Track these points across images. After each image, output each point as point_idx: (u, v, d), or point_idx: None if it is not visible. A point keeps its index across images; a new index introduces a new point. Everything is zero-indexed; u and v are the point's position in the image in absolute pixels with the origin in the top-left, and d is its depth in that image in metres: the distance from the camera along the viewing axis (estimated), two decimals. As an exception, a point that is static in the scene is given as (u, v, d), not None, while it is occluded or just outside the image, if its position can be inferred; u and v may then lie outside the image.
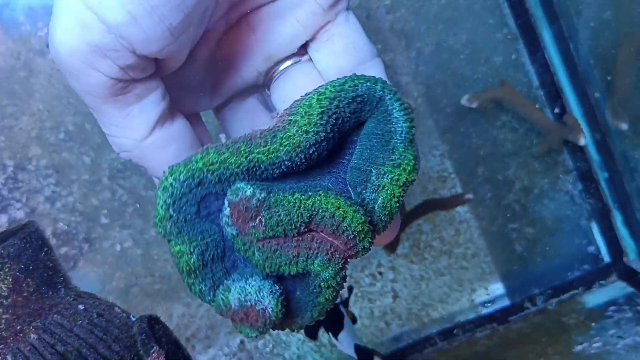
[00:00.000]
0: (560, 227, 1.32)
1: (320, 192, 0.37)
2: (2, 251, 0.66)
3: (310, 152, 0.37)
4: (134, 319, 0.72)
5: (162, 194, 0.37)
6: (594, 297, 1.28)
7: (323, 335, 1.31)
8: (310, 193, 0.36)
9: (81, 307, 0.70)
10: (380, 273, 1.32)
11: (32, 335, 0.64)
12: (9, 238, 0.69)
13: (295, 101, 0.38)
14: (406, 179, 0.39)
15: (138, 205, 1.23)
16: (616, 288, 1.27)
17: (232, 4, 0.43)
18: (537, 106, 1.26)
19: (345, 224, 0.36)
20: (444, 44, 1.24)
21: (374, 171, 0.39)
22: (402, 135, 0.40)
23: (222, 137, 1.05)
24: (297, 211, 0.36)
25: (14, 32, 1.17)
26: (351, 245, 0.37)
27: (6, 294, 0.66)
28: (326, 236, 0.37)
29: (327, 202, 0.36)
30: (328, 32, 0.46)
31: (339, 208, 0.36)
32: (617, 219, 1.29)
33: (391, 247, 1.30)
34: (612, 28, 1.16)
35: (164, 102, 0.40)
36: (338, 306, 1.11)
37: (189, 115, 0.48)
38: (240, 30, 0.45)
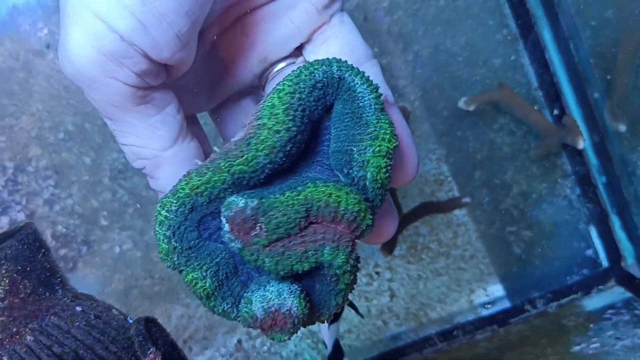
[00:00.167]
0: (559, 231, 1.31)
1: (309, 184, 0.37)
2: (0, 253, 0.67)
3: (288, 148, 0.37)
4: (131, 321, 0.72)
5: (159, 228, 0.37)
6: (593, 302, 1.28)
7: (320, 332, 1.31)
8: (299, 188, 0.36)
9: (78, 308, 0.70)
10: (377, 273, 1.32)
11: (29, 337, 0.64)
12: (6, 240, 0.69)
13: (259, 104, 0.38)
14: (387, 147, 0.39)
15: (139, 206, 1.24)
16: (614, 293, 1.27)
17: (227, 6, 0.43)
18: (535, 108, 1.25)
19: (342, 208, 0.37)
20: (441, 47, 1.24)
21: (354, 149, 0.39)
22: (372, 107, 0.39)
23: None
24: (293, 208, 0.36)
25: (12, 32, 1.17)
26: (354, 226, 0.37)
27: (3, 295, 0.66)
28: (328, 225, 0.37)
29: (319, 192, 0.36)
30: (324, 34, 0.46)
31: (331, 194, 0.37)
32: (615, 223, 1.29)
33: (388, 249, 1.30)
34: (612, 27, 1.16)
35: (179, 115, 0.40)
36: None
37: (186, 117, 0.47)
38: (234, 33, 0.45)
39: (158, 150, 0.39)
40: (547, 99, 1.26)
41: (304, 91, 0.37)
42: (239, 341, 1.32)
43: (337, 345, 1.11)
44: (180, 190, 0.37)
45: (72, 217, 1.23)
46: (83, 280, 1.23)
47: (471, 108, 1.22)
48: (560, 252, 1.32)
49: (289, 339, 0.39)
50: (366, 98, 0.39)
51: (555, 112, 1.26)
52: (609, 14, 1.16)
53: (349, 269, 0.38)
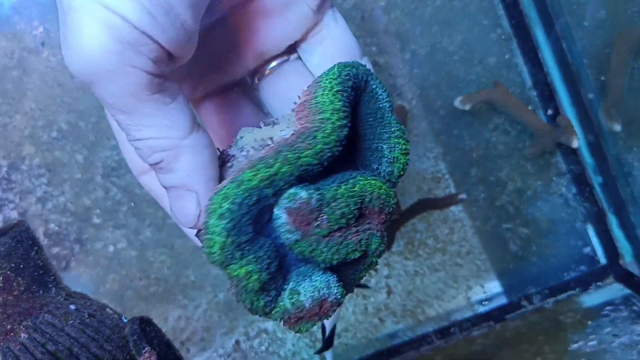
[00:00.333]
0: (555, 229, 1.32)
1: (358, 177, 0.39)
2: (-7, 250, 0.66)
3: (344, 143, 0.39)
4: (125, 320, 0.72)
5: (218, 221, 0.36)
6: (591, 298, 1.28)
7: (318, 332, 1.31)
8: (351, 181, 0.39)
9: (72, 307, 0.70)
10: (375, 269, 1.32)
11: (23, 335, 0.64)
12: (-1, 237, 0.69)
13: (306, 97, 0.39)
14: (408, 146, 0.43)
15: (132, 204, 1.23)
16: (613, 289, 1.27)
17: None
18: (530, 108, 1.26)
19: (388, 200, 0.40)
20: (438, 46, 1.25)
21: (384, 146, 0.42)
22: (390, 109, 0.43)
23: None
24: (352, 199, 0.38)
25: (7, 30, 1.17)
26: (389, 217, 0.42)
27: (-4, 292, 0.65)
28: (373, 215, 0.40)
29: (371, 185, 0.39)
30: (320, 34, 0.47)
31: (380, 187, 0.40)
32: (613, 222, 1.30)
33: (386, 245, 1.30)
34: (606, 27, 1.16)
35: (189, 104, 0.40)
36: None
37: None
38: (228, 27, 0.46)
39: (177, 139, 0.38)
40: (541, 99, 1.27)
41: (348, 90, 0.40)
42: (237, 342, 1.31)
43: (333, 331, 1.12)
44: (247, 182, 0.36)
45: (65, 215, 1.22)
46: (76, 280, 1.22)
47: (467, 107, 1.23)
48: (558, 250, 1.32)
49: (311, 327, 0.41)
50: (385, 100, 0.43)
51: (550, 112, 1.27)
52: (601, 15, 1.17)
53: (383, 251, 0.42)
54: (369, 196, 0.39)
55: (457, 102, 1.24)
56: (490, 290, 1.33)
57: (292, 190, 0.37)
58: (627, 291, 1.24)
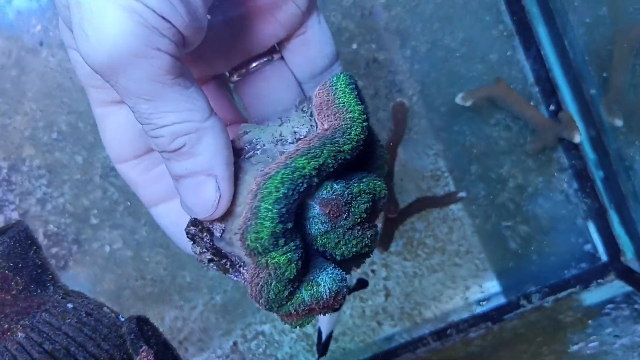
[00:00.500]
0: (556, 226, 1.31)
1: (369, 177, 0.42)
2: (-10, 249, 0.66)
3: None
4: (122, 319, 0.72)
5: (273, 206, 0.37)
6: (592, 296, 1.27)
7: (315, 334, 1.30)
8: (365, 179, 0.42)
9: (70, 305, 0.70)
10: (373, 271, 1.32)
11: (20, 334, 0.64)
12: (-3, 237, 0.69)
13: (327, 97, 0.42)
14: (386, 155, 0.47)
15: (129, 203, 1.23)
16: (614, 287, 1.26)
17: None
18: (531, 103, 1.25)
19: (386, 200, 0.43)
20: (439, 43, 1.24)
21: (374, 153, 0.46)
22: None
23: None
24: (369, 196, 0.41)
25: (5, 29, 1.17)
26: (377, 216, 0.44)
27: (-7, 292, 0.65)
28: (375, 213, 0.43)
29: (378, 185, 0.42)
30: (304, 36, 0.48)
31: (384, 188, 0.43)
32: (614, 218, 1.29)
33: (384, 245, 1.29)
34: (607, 24, 1.16)
35: (201, 88, 0.41)
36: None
37: None
38: (216, 21, 0.46)
39: (200, 121, 0.39)
40: (543, 95, 1.26)
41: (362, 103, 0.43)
42: (235, 343, 1.31)
43: (329, 339, 1.12)
44: (301, 169, 0.37)
45: (64, 215, 1.22)
46: (74, 279, 1.22)
47: (468, 103, 1.22)
48: (558, 247, 1.31)
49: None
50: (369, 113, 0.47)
51: (552, 107, 1.26)
52: (603, 11, 1.17)
53: (371, 253, 0.44)
54: (379, 194, 0.42)
55: (459, 99, 1.23)
56: (488, 289, 1.32)
57: (328, 183, 0.39)
58: (629, 288, 1.23)
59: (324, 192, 0.39)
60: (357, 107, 0.41)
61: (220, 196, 0.40)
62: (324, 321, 1.12)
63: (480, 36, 1.24)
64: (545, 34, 1.24)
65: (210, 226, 0.43)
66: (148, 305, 1.27)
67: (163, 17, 0.34)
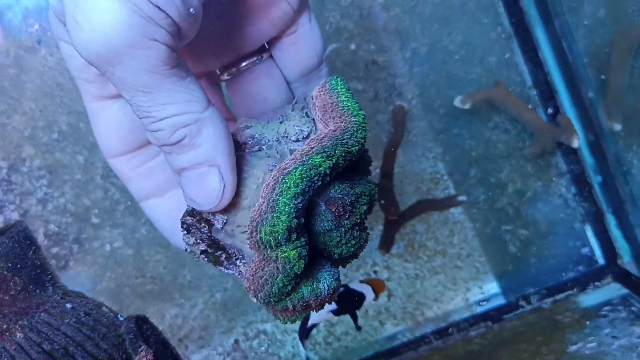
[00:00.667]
0: (554, 230, 1.31)
1: (363, 180, 0.43)
2: (-10, 250, 0.66)
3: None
4: (121, 319, 0.72)
5: (291, 201, 0.37)
6: (589, 298, 1.27)
7: (317, 334, 1.31)
8: (362, 181, 0.43)
9: (69, 305, 0.70)
10: (375, 272, 1.32)
11: (19, 334, 0.64)
12: (-4, 237, 0.69)
13: (329, 99, 0.43)
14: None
15: (129, 203, 1.23)
16: (611, 289, 1.26)
17: None
18: (530, 106, 1.25)
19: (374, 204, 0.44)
20: (438, 45, 1.24)
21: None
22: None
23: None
24: (368, 198, 0.42)
25: (4, 28, 1.16)
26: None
27: (-8, 292, 0.65)
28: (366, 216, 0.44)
29: (372, 188, 0.43)
30: (294, 34, 0.48)
31: (377, 191, 0.44)
32: (611, 222, 1.29)
33: (386, 247, 1.29)
34: (606, 26, 1.16)
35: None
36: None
37: None
38: (209, 19, 0.46)
39: (199, 112, 0.39)
40: (542, 98, 1.26)
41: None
42: (236, 341, 1.31)
43: (313, 327, 1.13)
44: (318, 167, 0.38)
45: (65, 215, 1.22)
46: (74, 279, 1.22)
47: (467, 106, 1.22)
48: (556, 250, 1.32)
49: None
50: None
51: (550, 110, 1.26)
52: (601, 14, 1.16)
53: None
54: (374, 197, 0.43)
55: (457, 101, 1.23)
56: (488, 291, 1.33)
57: (335, 183, 0.40)
58: (625, 291, 1.23)
59: (332, 191, 0.40)
60: (360, 112, 0.42)
61: (224, 186, 0.40)
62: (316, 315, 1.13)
63: (479, 38, 1.24)
64: (543, 37, 1.24)
65: (212, 217, 0.43)
66: (148, 303, 1.27)
67: (159, 7, 0.34)
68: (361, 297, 1.11)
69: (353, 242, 0.42)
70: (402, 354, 1.30)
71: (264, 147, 0.44)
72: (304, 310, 0.42)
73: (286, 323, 0.43)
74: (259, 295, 0.40)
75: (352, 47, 1.23)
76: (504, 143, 1.28)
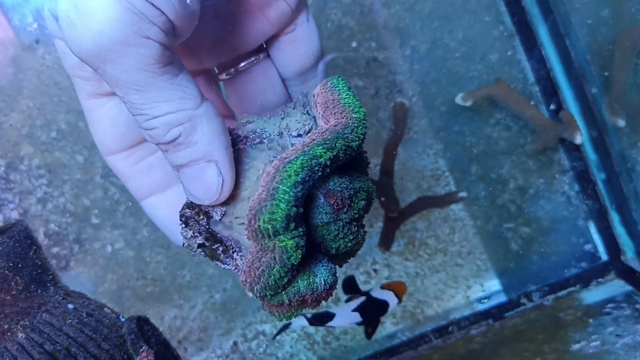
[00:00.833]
0: (557, 227, 1.31)
1: (362, 177, 0.43)
2: (-10, 249, 0.66)
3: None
4: (123, 320, 0.71)
5: (291, 189, 0.37)
6: (592, 295, 1.27)
7: (316, 334, 1.30)
8: (362, 178, 0.43)
9: (70, 306, 0.69)
10: (375, 270, 1.32)
11: (20, 335, 0.63)
12: (-4, 237, 0.68)
13: (331, 96, 0.43)
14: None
15: (130, 204, 1.22)
16: (615, 286, 1.26)
17: None
18: (532, 103, 1.25)
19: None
20: (439, 42, 1.24)
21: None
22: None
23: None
24: (366, 194, 0.42)
25: (2, 27, 1.16)
26: None
27: (-7, 292, 0.65)
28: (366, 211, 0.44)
29: (371, 185, 0.43)
30: (292, 33, 0.48)
31: (375, 189, 0.43)
32: (615, 219, 1.29)
33: (386, 245, 1.29)
34: (609, 25, 1.16)
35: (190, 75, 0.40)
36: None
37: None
38: (207, 18, 0.45)
39: (192, 109, 0.38)
40: (544, 94, 1.26)
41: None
42: (235, 343, 1.31)
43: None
44: (319, 157, 0.38)
45: (64, 215, 1.21)
46: (75, 279, 1.22)
47: (468, 103, 1.22)
48: (558, 247, 1.32)
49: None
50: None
51: (552, 107, 1.26)
52: (604, 13, 1.17)
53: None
54: (372, 195, 0.43)
55: (459, 98, 1.23)
56: (489, 288, 1.33)
57: (334, 176, 0.40)
58: (629, 288, 1.23)
59: (331, 183, 0.40)
60: (361, 109, 0.42)
61: (223, 180, 0.40)
62: (340, 317, 1.14)
63: (480, 36, 1.24)
64: (546, 35, 1.23)
65: (210, 209, 0.43)
66: (148, 305, 1.27)
67: (153, 5, 0.33)
68: (385, 304, 1.10)
69: (350, 237, 0.41)
70: (401, 353, 1.30)
71: (265, 140, 0.44)
72: (299, 305, 0.41)
73: (281, 320, 0.42)
74: (255, 288, 0.40)
75: (354, 44, 1.22)
76: (505, 140, 1.28)
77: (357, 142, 0.40)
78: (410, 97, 1.26)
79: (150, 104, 0.37)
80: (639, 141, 1.18)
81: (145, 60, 0.35)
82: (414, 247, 1.31)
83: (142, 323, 0.70)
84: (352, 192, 0.40)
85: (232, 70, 0.50)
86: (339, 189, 0.40)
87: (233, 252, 0.44)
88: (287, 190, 0.37)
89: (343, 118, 0.41)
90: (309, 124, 0.45)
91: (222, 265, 0.44)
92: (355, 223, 0.42)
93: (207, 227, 0.44)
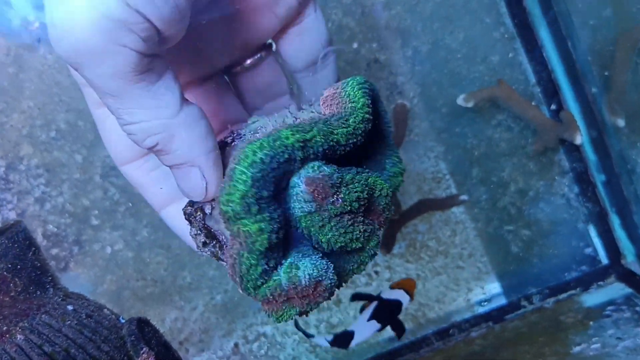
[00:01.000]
0: (557, 230, 1.31)
1: (371, 173, 0.41)
2: (-12, 250, 0.65)
3: (365, 137, 0.41)
4: (123, 321, 0.71)
5: (248, 169, 0.36)
6: (592, 297, 1.27)
7: (318, 336, 1.30)
8: (365, 173, 0.40)
9: (70, 307, 0.69)
10: (377, 272, 1.31)
11: (19, 336, 0.63)
12: (-5, 238, 0.68)
13: (334, 91, 0.42)
14: (404, 167, 0.46)
15: (130, 204, 1.22)
16: (615, 289, 1.26)
17: None
18: (533, 104, 1.25)
19: (390, 202, 0.41)
20: (440, 43, 1.24)
21: (387, 160, 0.45)
22: (391, 133, 0.46)
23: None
24: (367, 189, 0.39)
25: (3, 27, 1.16)
26: (387, 221, 0.42)
27: (-8, 293, 0.64)
28: (376, 216, 0.41)
29: (380, 183, 0.40)
30: (300, 25, 0.48)
31: (388, 188, 0.41)
32: (615, 222, 1.29)
33: (387, 247, 1.29)
34: (610, 26, 1.16)
35: (178, 81, 0.39)
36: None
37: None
38: (216, 17, 0.45)
39: (168, 118, 0.37)
40: (545, 95, 1.26)
41: (369, 95, 0.42)
42: (236, 345, 1.31)
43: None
44: (284, 139, 0.37)
45: (63, 216, 1.21)
46: (75, 281, 1.21)
47: (470, 104, 1.22)
48: (559, 250, 1.32)
49: (297, 316, 0.40)
50: (388, 123, 0.46)
51: (553, 107, 1.26)
52: (607, 13, 1.17)
53: (371, 260, 0.42)
54: (379, 192, 0.40)
55: (460, 100, 1.23)
56: (490, 291, 1.33)
57: (316, 163, 0.38)
58: (629, 290, 1.23)
59: (310, 170, 0.38)
60: (361, 99, 0.40)
61: (207, 182, 0.40)
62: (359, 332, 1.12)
63: (481, 37, 1.24)
64: (547, 36, 1.23)
65: (203, 204, 0.43)
66: (149, 306, 1.26)
67: (136, 10, 0.32)
68: (398, 304, 1.09)
69: (341, 230, 0.38)
70: (403, 356, 1.30)
71: (257, 135, 0.43)
72: (286, 302, 0.39)
73: (278, 321, 0.40)
74: (236, 280, 0.39)
75: (355, 45, 1.22)
76: (506, 141, 1.28)
77: (344, 130, 0.38)
78: (411, 98, 1.26)
79: (126, 110, 0.37)
80: (638, 142, 1.18)
81: (119, 68, 0.34)
82: (415, 249, 1.31)
83: (143, 324, 0.69)
84: (337, 182, 0.38)
85: (238, 68, 0.50)
86: (319, 176, 0.37)
87: (224, 247, 0.43)
88: (244, 170, 0.36)
89: (337, 108, 0.40)
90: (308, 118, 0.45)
91: (224, 264, 0.44)
92: (349, 217, 0.39)
93: (203, 222, 0.44)
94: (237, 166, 0.36)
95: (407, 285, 1.12)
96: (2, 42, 1.15)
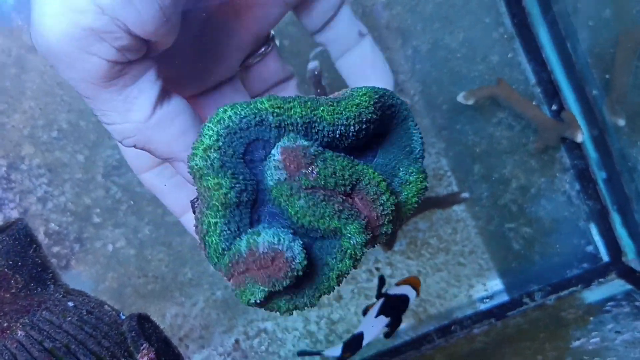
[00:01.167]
0: (558, 228, 1.31)
1: (365, 163, 0.39)
2: (-11, 247, 0.66)
3: (363, 127, 0.39)
4: (123, 317, 0.71)
5: (215, 125, 0.35)
6: (593, 294, 1.27)
7: (319, 332, 1.30)
8: (355, 161, 0.39)
9: (70, 304, 0.69)
10: (377, 269, 1.31)
11: (20, 332, 0.63)
12: (-4, 235, 0.68)
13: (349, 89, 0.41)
14: (425, 185, 0.43)
15: (132, 202, 1.22)
16: (615, 285, 1.27)
17: None
18: (534, 103, 1.25)
19: (383, 198, 0.39)
20: (440, 42, 1.24)
21: (401, 169, 0.43)
22: (420, 152, 0.45)
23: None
24: (350, 170, 0.37)
25: (5, 28, 1.16)
26: (380, 222, 0.39)
27: (-7, 290, 0.65)
28: (364, 206, 0.39)
29: (372, 173, 0.39)
30: (333, 21, 0.50)
31: (382, 181, 0.39)
32: (616, 220, 1.29)
33: (388, 244, 1.29)
34: (610, 27, 1.16)
35: (160, 81, 0.38)
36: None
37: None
38: (225, 15, 0.45)
39: (140, 122, 0.37)
40: (546, 96, 1.26)
41: (386, 103, 0.41)
42: (237, 341, 1.31)
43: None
44: (259, 103, 0.36)
45: (65, 214, 1.21)
46: (76, 278, 1.22)
47: (470, 102, 1.22)
48: (560, 248, 1.32)
49: (261, 301, 0.37)
50: (418, 143, 0.45)
51: (554, 107, 1.26)
52: (606, 14, 1.16)
53: (358, 254, 0.39)
54: (367, 180, 0.38)
55: (461, 97, 1.23)
56: (492, 288, 1.33)
57: (295, 135, 0.37)
58: (629, 287, 1.23)
59: (286, 140, 0.37)
60: (364, 97, 0.39)
61: None
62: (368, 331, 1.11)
63: (481, 37, 1.24)
64: (546, 36, 1.23)
65: None
66: (149, 302, 1.27)
67: (114, 17, 0.32)
68: (405, 298, 1.09)
69: (311, 202, 0.36)
70: (404, 353, 1.30)
71: None
72: (244, 273, 0.37)
73: (243, 300, 0.37)
74: (202, 246, 0.38)
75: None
76: (507, 139, 1.28)
77: (332, 107, 0.38)
78: (412, 96, 1.26)
79: (100, 112, 0.37)
80: (639, 141, 1.18)
81: (88, 74, 0.34)
82: (415, 246, 1.31)
83: (143, 320, 0.70)
84: (314, 153, 0.36)
85: (249, 60, 0.50)
86: (294, 145, 0.36)
87: None
88: (212, 126, 0.35)
89: (337, 95, 0.40)
90: None
91: None
92: (324, 194, 0.37)
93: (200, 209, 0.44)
94: (207, 124, 0.36)
95: (413, 282, 1.12)
96: (4, 42, 1.16)
